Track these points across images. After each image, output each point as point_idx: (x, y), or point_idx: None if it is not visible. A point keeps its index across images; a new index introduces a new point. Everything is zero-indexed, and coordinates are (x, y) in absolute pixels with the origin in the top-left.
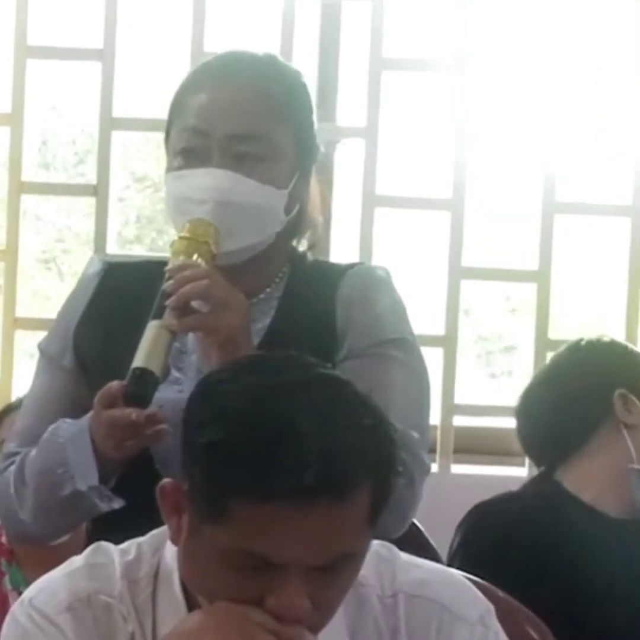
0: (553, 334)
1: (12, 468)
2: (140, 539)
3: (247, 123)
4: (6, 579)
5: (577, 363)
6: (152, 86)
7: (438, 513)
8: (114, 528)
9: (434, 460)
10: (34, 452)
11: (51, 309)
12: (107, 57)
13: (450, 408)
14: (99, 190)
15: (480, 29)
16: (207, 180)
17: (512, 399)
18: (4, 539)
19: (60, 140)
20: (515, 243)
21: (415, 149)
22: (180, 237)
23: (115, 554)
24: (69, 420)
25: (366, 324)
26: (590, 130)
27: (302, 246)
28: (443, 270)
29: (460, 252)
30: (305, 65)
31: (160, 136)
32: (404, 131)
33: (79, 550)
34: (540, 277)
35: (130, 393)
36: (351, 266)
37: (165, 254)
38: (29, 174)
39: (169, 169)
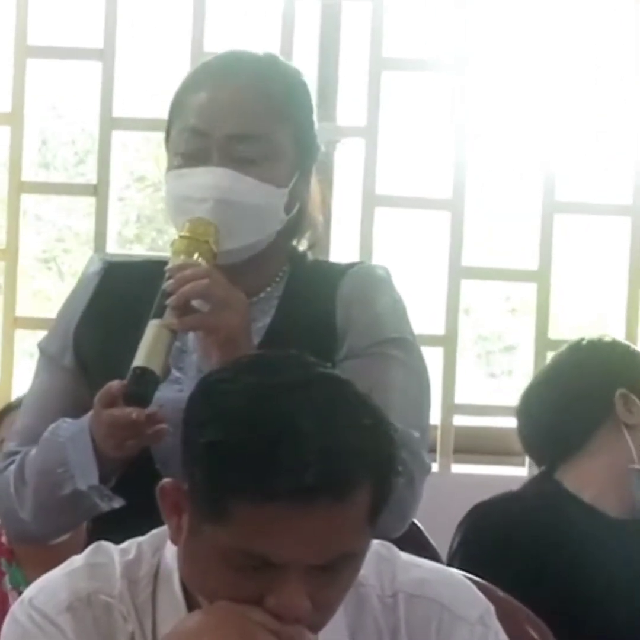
0: (553, 333)
1: (12, 467)
2: (141, 539)
3: (247, 123)
4: (6, 578)
5: (578, 363)
6: (152, 86)
7: (438, 513)
8: (114, 528)
9: (434, 460)
10: (34, 451)
11: (51, 309)
12: (107, 57)
13: (450, 408)
14: (99, 190)
15: (480, 29)
16: (207, 179)
17: (512, 398)
18: (4, 539)
19: (60, 140)
20: (515, 243)
21: (415, 148)
22: (181, 237)
23: (115, 554)
24: (69, 420)
25: (366, 323)
26: (590, 130)
27: (302, 246)
28: (443, 270)
29: (460, 252)
30: (305, 65)
31: (160, 136)
32: (404, 131)
33: (79, 550)
34: (540, 277)
35: (131, 392)
36: (351, 266)
37: (166, 253)
38: (29, 174)
39: (169, 168)
